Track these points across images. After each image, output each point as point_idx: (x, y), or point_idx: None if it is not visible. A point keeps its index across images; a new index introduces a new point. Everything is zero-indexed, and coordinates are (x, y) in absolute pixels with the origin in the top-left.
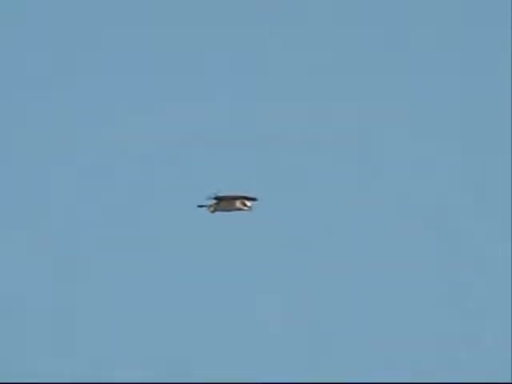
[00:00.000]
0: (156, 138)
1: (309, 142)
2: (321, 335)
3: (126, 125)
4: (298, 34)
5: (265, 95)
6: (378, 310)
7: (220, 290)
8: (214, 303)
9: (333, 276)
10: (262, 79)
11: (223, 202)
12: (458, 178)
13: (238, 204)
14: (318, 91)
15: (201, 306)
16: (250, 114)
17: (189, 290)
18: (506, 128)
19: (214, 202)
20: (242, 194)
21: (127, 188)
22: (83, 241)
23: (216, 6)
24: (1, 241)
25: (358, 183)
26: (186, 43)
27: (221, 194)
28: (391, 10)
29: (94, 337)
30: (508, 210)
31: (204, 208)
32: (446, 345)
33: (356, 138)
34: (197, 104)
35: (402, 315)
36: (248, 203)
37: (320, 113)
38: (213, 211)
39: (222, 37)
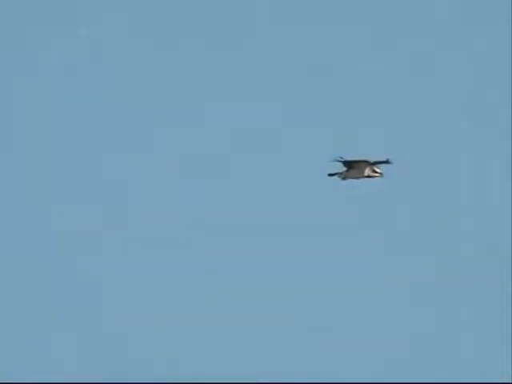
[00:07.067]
0: None
1: None
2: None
3: None
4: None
5: None
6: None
7: None
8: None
9: None
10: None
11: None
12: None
13: (367, 171)
14: None
15: None
16: None
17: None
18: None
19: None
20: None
21: None
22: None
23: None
24: None
25: None
26: None
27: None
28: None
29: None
30: None
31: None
32: (446, 344)
33: None
34: None
35: (401, 314)
36: (378, 169)
37: None
38: (343, 179)
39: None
